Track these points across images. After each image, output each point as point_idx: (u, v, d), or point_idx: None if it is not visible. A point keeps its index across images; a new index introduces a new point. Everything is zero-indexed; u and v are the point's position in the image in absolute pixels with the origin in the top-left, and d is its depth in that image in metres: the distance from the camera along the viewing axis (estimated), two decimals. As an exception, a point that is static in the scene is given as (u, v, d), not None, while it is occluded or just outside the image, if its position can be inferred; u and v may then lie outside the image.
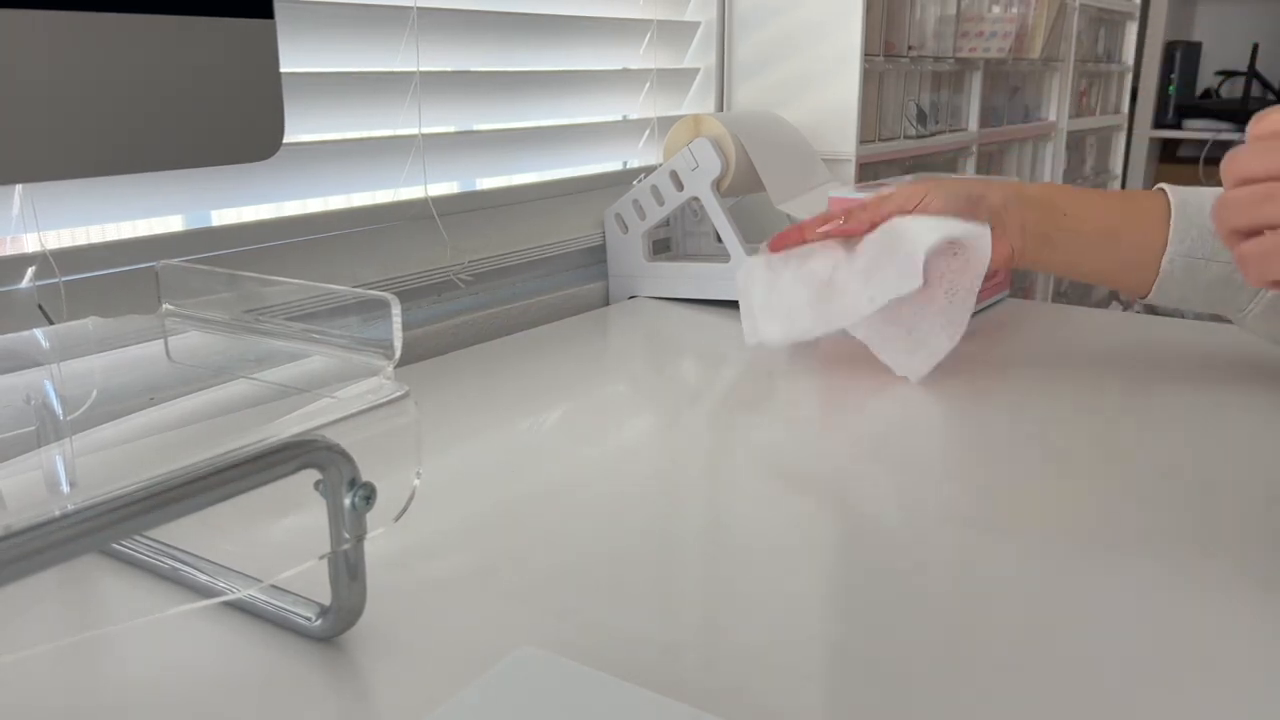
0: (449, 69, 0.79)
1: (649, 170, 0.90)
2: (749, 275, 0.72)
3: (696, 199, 0.86)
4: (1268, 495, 0.49)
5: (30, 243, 0.55)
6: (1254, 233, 0.46)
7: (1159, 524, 0.46)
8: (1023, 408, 0.62)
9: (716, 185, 0.84)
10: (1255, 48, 2.53)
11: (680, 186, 0.86)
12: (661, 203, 0.87)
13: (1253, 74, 2.54)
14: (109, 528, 0.28)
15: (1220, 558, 0.42)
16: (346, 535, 0.35)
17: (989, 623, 0.38)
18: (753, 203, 0.96)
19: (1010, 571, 0.42)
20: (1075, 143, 1.68)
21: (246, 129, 0.45)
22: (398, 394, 0.36)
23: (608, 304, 0.92)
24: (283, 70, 0.46)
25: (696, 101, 1.05)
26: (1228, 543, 0.44)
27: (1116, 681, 0.34)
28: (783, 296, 0.69)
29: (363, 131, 0.73)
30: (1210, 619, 0.38)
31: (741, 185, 0.87)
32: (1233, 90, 2.61)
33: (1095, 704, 0.33)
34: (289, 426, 0.33)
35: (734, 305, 0.86)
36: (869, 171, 1.04)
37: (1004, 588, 0.40)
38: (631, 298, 0.91)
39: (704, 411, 0.62)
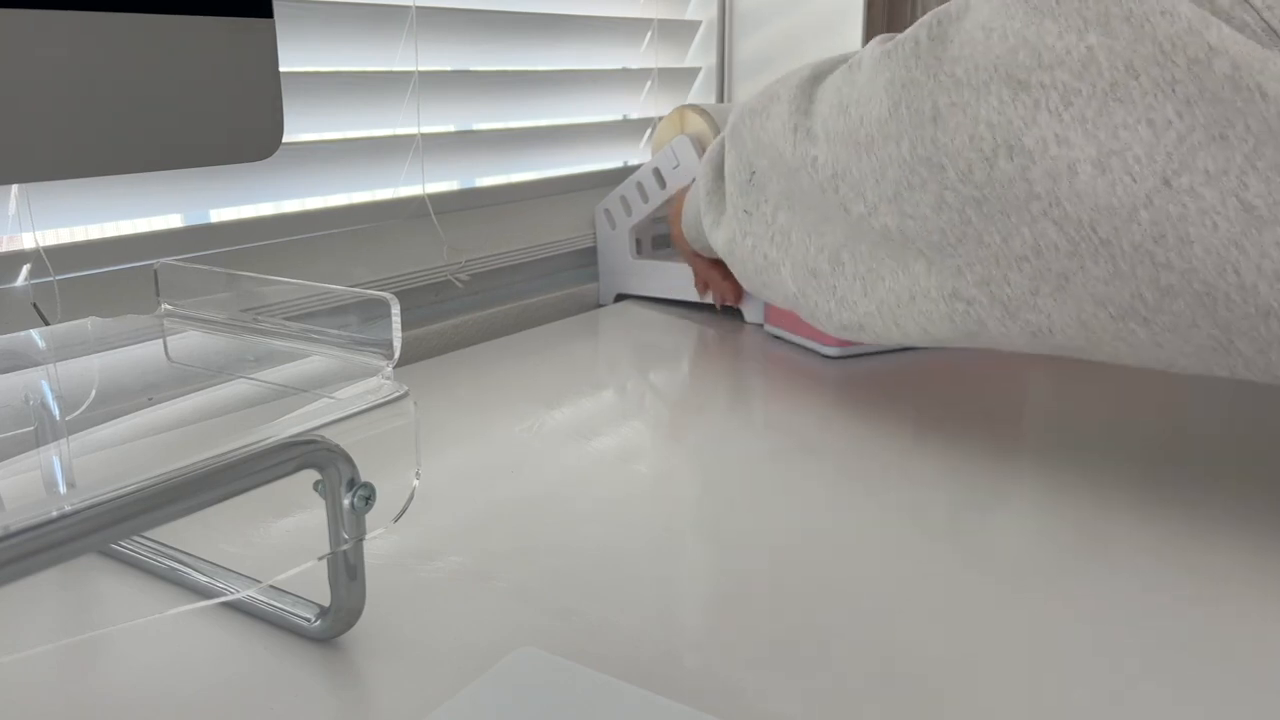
0: (448, 68, 0.79)
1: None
2: None
3: None
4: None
5: (27, 242, 0.55)
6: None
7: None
8: (1014, 400, 0.61)
9: None
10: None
11: (663, 184, 0.85)
12: (646, 200, 0.87)
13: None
14: (108, 528, 0.28)
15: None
16: (346, 536, 0.35)
17: (990, 623, 0.38)
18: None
19: (1018, 571, 0.42)
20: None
21: (246, 128, 0.45)
22: (397, 394, 0.36)
23: (603, 303, 0.92)
24: (280, 70, 0.46)
25: (698, 101, 1.05)
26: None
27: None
28: None
29: (361, 131, 0.73)
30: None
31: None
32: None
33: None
34: (288, 427, 0.33)
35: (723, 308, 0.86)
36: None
37: (1009, 588, 0.40)
38: (618, 295, 0.91)
39: (702, 411, 0.62)
